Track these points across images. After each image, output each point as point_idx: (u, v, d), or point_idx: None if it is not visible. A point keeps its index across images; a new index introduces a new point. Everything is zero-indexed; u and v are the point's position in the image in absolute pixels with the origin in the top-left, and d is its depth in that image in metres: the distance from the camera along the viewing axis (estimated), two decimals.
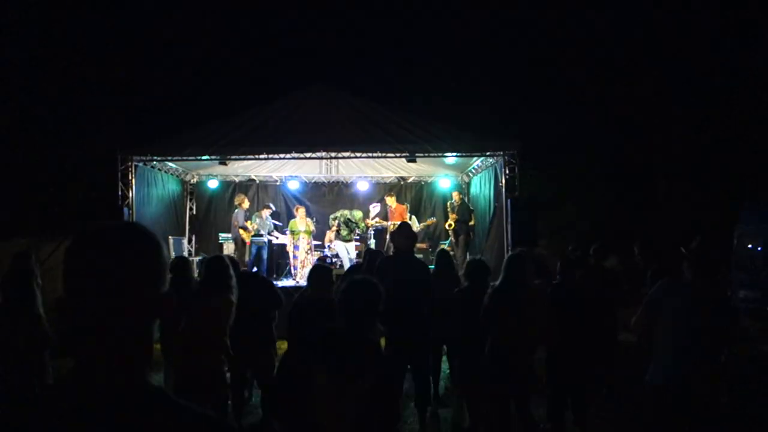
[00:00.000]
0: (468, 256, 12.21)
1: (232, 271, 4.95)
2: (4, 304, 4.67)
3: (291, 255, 12.26)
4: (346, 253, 12.27)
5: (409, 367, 5.84)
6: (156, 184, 12.22)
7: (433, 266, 7.21)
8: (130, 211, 10.77)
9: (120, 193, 10.81)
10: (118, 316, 1.13)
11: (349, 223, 12.54)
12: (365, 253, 8.02)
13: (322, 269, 5.60)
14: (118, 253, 1.15)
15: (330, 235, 12.98)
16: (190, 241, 14.05)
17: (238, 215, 12.65)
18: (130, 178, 10.91)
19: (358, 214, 12.89)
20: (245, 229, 12.45)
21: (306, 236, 12.16)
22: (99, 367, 1.13)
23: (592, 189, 17.17)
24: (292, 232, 12.25)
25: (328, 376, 2.56)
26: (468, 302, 5.33)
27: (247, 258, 12.40)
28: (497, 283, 5.10)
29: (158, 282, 1.20)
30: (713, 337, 3.93)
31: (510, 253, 5.41)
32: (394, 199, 13.12)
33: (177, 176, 13.53)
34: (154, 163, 11.84)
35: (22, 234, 11.05)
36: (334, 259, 12.35)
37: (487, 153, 11.27)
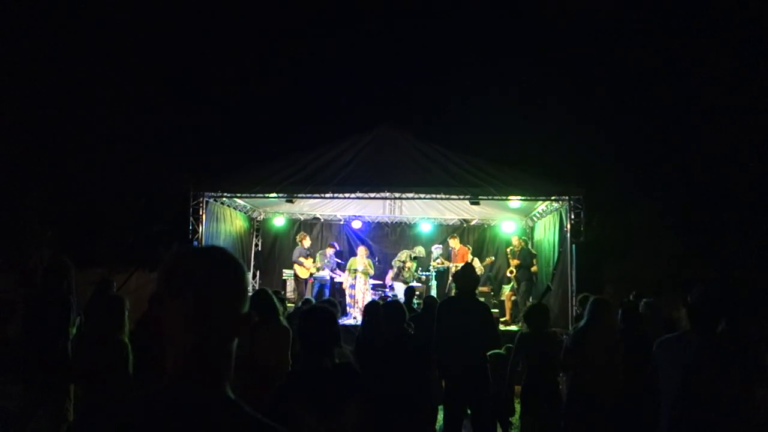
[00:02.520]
0: (530, 302, 12.04)
1: (277, 302, 5.06)
2: (91, 329, 4.81)
3: (347, 293, 12.37)
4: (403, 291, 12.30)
5: (469, 412, 5.74)
6: (224, 220, 12.58)
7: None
8: (200, 246, 11.07)
9: (191, 227, 11.18)
10: (206, 332, 1.22)
11: (406, 264, 12.61)
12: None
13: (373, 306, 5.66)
14: (210, 272, 1.25)
15: (392, 274, 13.05)
16: (254, 277, 14.34)
17: (295, 252, 12.92)
18: (200, 213, 11.28)
19: (420, 249, 12.96)
20: (300, 264, 12.68)
21: (363, 276, 12.24)
22: (183, 379, 1.21)
23: (660, 237, 16.67)
24: (350, 270, 12.38)
25: (308, 414, 2.52)
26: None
27: (308, 294, 12.56)
28: (581, 324, 5.05)
29: (242, 302, 1.29)
30: None
31: (594, 297, 5.31)
32: (457, 240, 13.12)
33: (244, 213, 13.91)
34: (224, 199, 12.22)
35: (97, 264, 11.50)
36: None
37: (552, 197, 11.14)
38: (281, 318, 4.99)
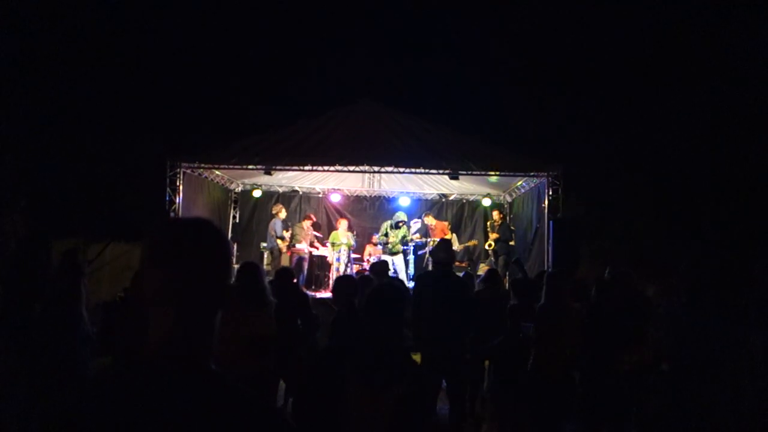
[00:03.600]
0: (508, 277, 12.14)
1: (265, 279, 5.04)
2: (50, 301, 4.77)
3: (334, 267, 12.37)
4: (392, 264, 12.27)
5: (444, 384, 5.82)
6: (202, 191, 12.44)
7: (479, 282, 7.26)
8: (184, 217, 10.92)
9: (168, 198, 11.06)
10: (189, 303, 1.21)
11: (390, 232, 12.58)
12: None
13: (344, 279, 5.69)
14: (194, 244, 1.24)
15: (369, 248, 13.06)
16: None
17: (276, 225, 12.79)
18: (178, 184, 11.14)
19: (399, 215, 12.88)
20: (282, 239, 12.60)
21: (346, 249, 12.26)
22: (166, 350, 1.20)
23: (636, 215, 16.88)
24: (333, 244, 12.38)
25: (358, 385, 2.55)
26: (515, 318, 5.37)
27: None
28: (542, 302, 5.09)
29: (225, 274, 1.29)
30: None
31: (549, 271, 5.36)
32: (431, 217, 13.14)
33: (222, 184, 13.77)
34: (201, 170, 12.08)
35: (72, 234, 11.34)
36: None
37: (531, 173, 11.20)
38: (266, 294, 4.96)
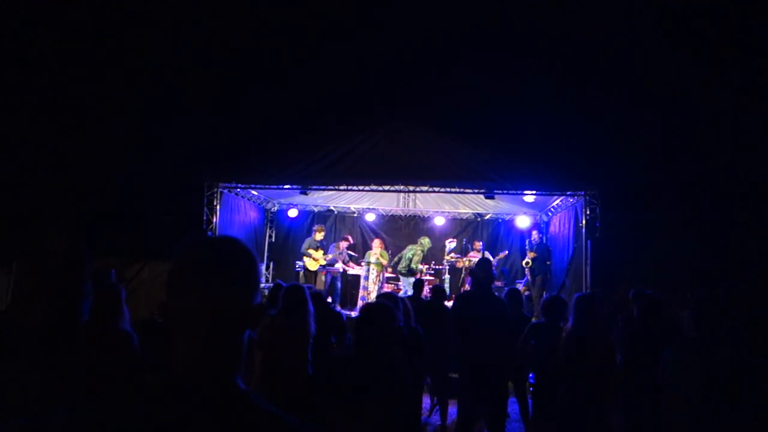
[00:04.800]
0: (545, 296, 11.97)
1: (310, 303, 5.01)
2: (91, 321, 4.80)
3: (361, 285, 12.40)
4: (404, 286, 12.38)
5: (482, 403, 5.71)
6: (239, 211, 12.59)
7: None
8: (211, 236, 11.04)
9: (205, 217, 11.19)
10: (216, 323, 1.20)
11: (412, 258, 12.54)
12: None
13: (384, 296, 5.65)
14: (221, 263, 1.24)
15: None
16: (267, 268, 14.36)
17: (304, 243, 12.94)
18: (215, 203, 11.29)
19: (425, 240, 12.82)
20: (309, 256, 12.69)
21: (376, 268, 12.23)
22: (193, 369, 1.19)
23: (679, 236, 16.48)
24: (368, 263, 12.39)
25: (333, 400, 2.59)
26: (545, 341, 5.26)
27: (320, 287, 12.56)
28: (569, 325, 4.98)
29: (254, 293, 1.27)
30: None
31: (578, 293, 5.22)
32: (455, 256, 13.13)
33: (259, 203, 13.92)
34: (238, 190, 12.22)
35: (112, 254, 11.53)
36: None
37: (568, 192, 11.05)
38: (309, 319, 4.93)
